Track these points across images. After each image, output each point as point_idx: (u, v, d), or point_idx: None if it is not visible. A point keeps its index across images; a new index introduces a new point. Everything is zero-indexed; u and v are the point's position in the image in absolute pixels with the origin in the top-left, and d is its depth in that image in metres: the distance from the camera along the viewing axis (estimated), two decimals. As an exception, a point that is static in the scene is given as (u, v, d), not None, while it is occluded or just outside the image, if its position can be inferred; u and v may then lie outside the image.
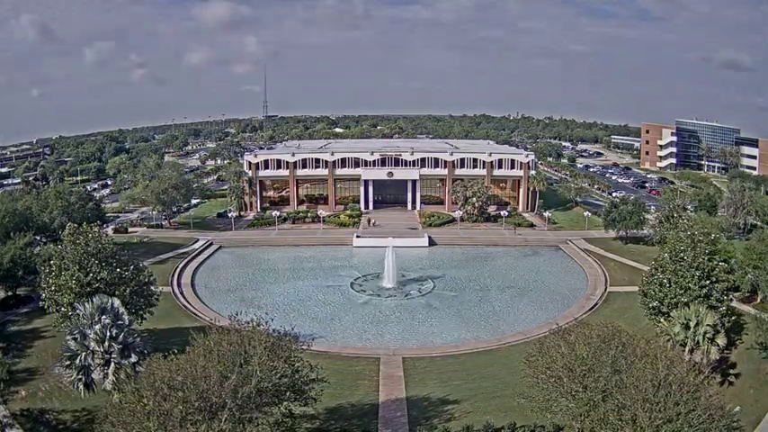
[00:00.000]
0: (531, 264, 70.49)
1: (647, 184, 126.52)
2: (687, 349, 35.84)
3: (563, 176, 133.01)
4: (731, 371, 38.02)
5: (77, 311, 32.86)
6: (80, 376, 30.87)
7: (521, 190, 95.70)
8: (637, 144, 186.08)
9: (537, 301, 56.00)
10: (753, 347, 39.46)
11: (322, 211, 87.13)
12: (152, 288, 42.76)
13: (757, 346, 39.11)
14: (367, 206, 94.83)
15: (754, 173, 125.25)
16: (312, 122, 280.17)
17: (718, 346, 36.76)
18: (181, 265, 65.09)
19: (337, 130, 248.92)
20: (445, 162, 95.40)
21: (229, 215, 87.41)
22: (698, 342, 35.97)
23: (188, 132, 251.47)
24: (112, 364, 30.85)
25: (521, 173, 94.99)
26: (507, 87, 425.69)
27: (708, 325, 36.15)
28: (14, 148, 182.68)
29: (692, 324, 36.21)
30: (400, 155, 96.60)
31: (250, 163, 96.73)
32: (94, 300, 33.10)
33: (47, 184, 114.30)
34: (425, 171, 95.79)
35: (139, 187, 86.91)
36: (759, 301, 49.75)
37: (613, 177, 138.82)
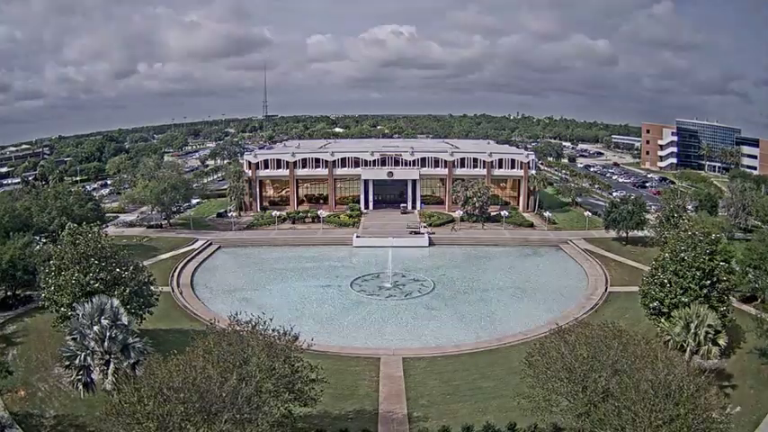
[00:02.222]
0: (532, 264, 70.44)
1: (647, 184, 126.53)
2: (688, 350, 35.79)
3: (563, 176, 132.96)
4: (731, 371, 37.96)
5: (77, 312, 32.80)
6: (79, 376, 30.84)
7: (521, 190, 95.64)
8: (637, 144, 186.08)
9: (537, 301, 55.91)
10: (753, 348, 39.46)
11: (322, 211, 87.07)
12: (151, 288, 42.68)
13: (756, 351, 39.14)
14: (367, 206, 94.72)
15: (755, 173, 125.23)
16: (312, 122, 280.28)
17: (718, 346, 36.72)
18: (180, 266, 65.04)
19: (337, 129, 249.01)
20: (445, 162, 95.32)
21: (229, 215, 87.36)
22: (699, 342, 35.91)
23: (188, 132, 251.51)
24: (112, 364, 30.79)
25: (521, 173, 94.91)
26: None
27: (708, 325, 36.09)
28: (14, 147, 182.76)
29: (692, 324, 36.15)
30: (400, 155, 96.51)
31: (250, 163, 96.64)
32: (94, 300, 33.03)
33: (46, 183, 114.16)
34: (425, 171, 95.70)
35: (139, 187, 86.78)
36: (759, 301, 49.75)
37: (614, 177, 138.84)
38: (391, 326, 49.85)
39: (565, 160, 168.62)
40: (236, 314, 30.51)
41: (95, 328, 31.28)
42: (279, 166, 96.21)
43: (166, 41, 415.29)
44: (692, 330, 35.99)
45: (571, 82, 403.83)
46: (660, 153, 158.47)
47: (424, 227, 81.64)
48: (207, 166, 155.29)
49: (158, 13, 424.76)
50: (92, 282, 38.45)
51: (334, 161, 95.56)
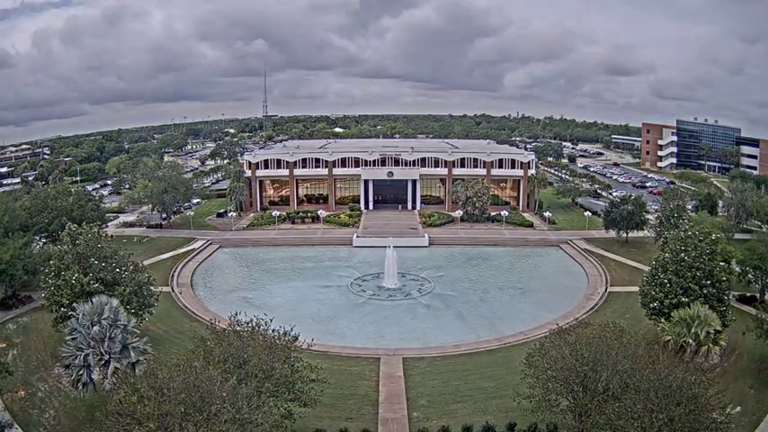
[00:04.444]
0: (532, 264, 70.44)
1: (647, 184, 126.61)
2: (688, 350, 35.81)
3: (563, 176, 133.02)
4: (731, 371, 37.94)
5: (77, 312, 32.82)
6: (79, 376, 30.88)
7: (521, 190, 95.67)
8: (637, 144, 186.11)
9: (537, 301, 55.85)
10: (754, 348, 39.45)
11: (322, 211, 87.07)
12: (151, 288, 42.68)
13: (756, 351, 39.10)
14: (367, 206, 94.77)
15: (755, 173, 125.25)
16: (312, 122, 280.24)
17: (719, 346, 36.79)
18: (180, 265, 65.01)
19: (337, 129, 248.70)
20: (445, 162, 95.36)
21: (229, 215, 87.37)
22: (699, 342, 35.95)
23: (187, 132, 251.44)
24: (112, 364, 30.82)
25: (521, 173, 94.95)
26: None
27: (709, 325, 36.13)
28: (14, 147, 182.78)
29: (693, 324, 36.18)
30: (400, 155, 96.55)
31: (249, 163, 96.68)
32: (93, 300, 33.09)
33: (46, 183, 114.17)
34: (425, 171, 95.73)
35: (139, 187, 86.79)
36: (759, 301, 49.78)
37: (614, 177, 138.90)
38: (391, 326, 49.81)
39: (565, 160, 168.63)
40: (236, 314, 30.55)
41: (95, 328, 31.31)
42: (279, 166, 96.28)
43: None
44: (693, 330, 36.03)
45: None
46: (660, 153, 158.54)
47: (412, 228, 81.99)
48: (207, 165, 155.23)
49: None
50: (91, 282, 38.48)
51: (334, 161, 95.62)
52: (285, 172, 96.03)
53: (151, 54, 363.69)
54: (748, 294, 50.69)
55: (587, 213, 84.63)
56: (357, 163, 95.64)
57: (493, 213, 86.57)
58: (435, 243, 76.34)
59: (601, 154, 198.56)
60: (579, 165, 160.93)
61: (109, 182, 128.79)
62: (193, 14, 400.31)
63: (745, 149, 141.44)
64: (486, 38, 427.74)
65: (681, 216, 62.51)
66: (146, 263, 51.36)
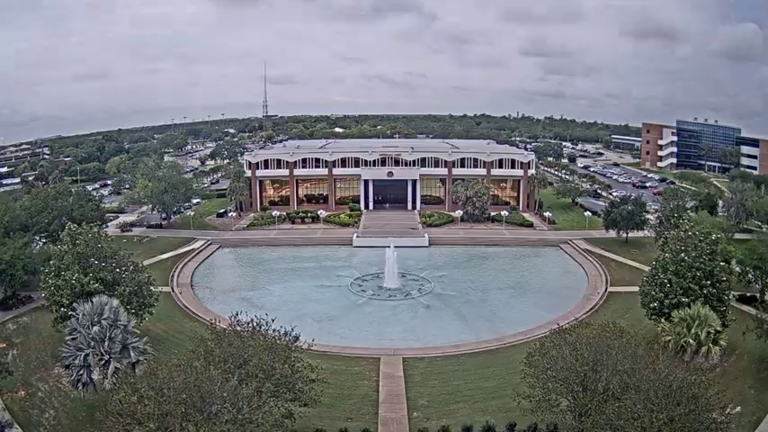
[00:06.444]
0: (532, 264, 70.44)
1: (648, 185, 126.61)
2: (689, 350, 35.82)
3: (563, 176, 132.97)
4: (731, 371, 37.95)
5: (77, 312, 32.86)
6: (79, 376, 30.92)
7: (521, 190, 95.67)
8: (637, 144, 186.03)
9: (537, 301, 55.87)
10: (754, 348, 39.47)
11: (322, 211, 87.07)
12: (151, 288, 42.69)
13: (756, 351, 39.12)
14: (367, 206, 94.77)
15: (755, 173, 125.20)
16: (312, 122, 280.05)
17: (719, 346, 36.79)
18: (180, 265, 65.00)
19: (337, 129, 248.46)
20: (445, 162, 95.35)
21: (229, 215, 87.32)
22: (699, 343, 35.96)
23: (187, 132, 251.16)
24: (112, 364, 30.86)
25: (521, 173, 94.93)
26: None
27: (709, 325, 36.15)
28: (14, 148, 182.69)
29: (693, 325, 36.19)
30: (400, 155, 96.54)
31: (250, 163, 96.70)
32: (94, 300, 33.14)
33: (46, 183, 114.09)
34: (425, 171, 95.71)
35: (139, 187, 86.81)
36: (760, 301, 49.82)
37: (614, 177, 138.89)
38: (391, 326, 49.83)
39: (565, 160, 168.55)
40: (237, 314, 30.58)
41: (95, 328, 31.36)
42: (279, 166, 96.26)
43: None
44: (693, 331, 36.05)
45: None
46: (660, 153, 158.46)
47: (412, 228, 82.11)
48: (207, 165, 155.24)
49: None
50: (91, 282, 38.48)
51: (334, 161, 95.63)
52: (285, 172, 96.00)
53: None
54: (748, 294, 50.70)
55: (587, 213, 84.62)
56: (357, 163, 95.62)
57: (493, 213, 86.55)
58: (435, 243, 76.34)
59: (601, 154, 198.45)
60: (579, 165, 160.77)
61: (109, 182, 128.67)
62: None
63: (745, 149, 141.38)
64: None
65: (681, 216, 62.56)
66: (146, 263, 51.38)
